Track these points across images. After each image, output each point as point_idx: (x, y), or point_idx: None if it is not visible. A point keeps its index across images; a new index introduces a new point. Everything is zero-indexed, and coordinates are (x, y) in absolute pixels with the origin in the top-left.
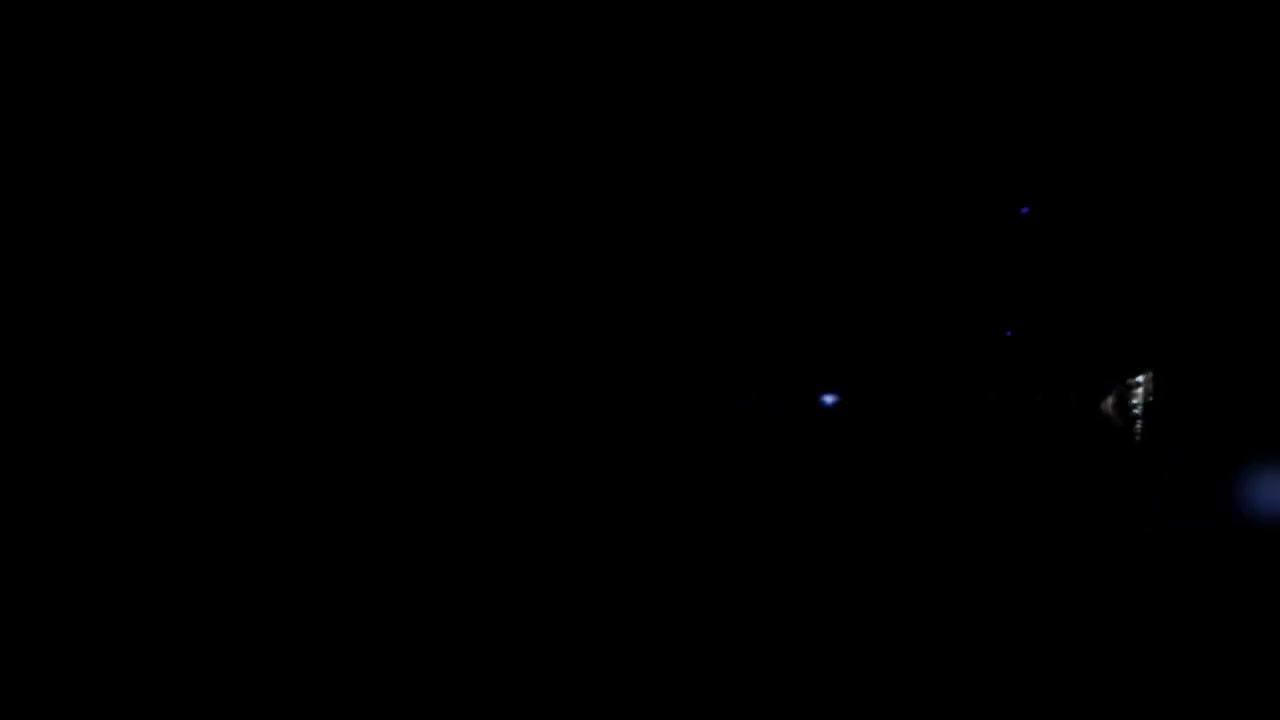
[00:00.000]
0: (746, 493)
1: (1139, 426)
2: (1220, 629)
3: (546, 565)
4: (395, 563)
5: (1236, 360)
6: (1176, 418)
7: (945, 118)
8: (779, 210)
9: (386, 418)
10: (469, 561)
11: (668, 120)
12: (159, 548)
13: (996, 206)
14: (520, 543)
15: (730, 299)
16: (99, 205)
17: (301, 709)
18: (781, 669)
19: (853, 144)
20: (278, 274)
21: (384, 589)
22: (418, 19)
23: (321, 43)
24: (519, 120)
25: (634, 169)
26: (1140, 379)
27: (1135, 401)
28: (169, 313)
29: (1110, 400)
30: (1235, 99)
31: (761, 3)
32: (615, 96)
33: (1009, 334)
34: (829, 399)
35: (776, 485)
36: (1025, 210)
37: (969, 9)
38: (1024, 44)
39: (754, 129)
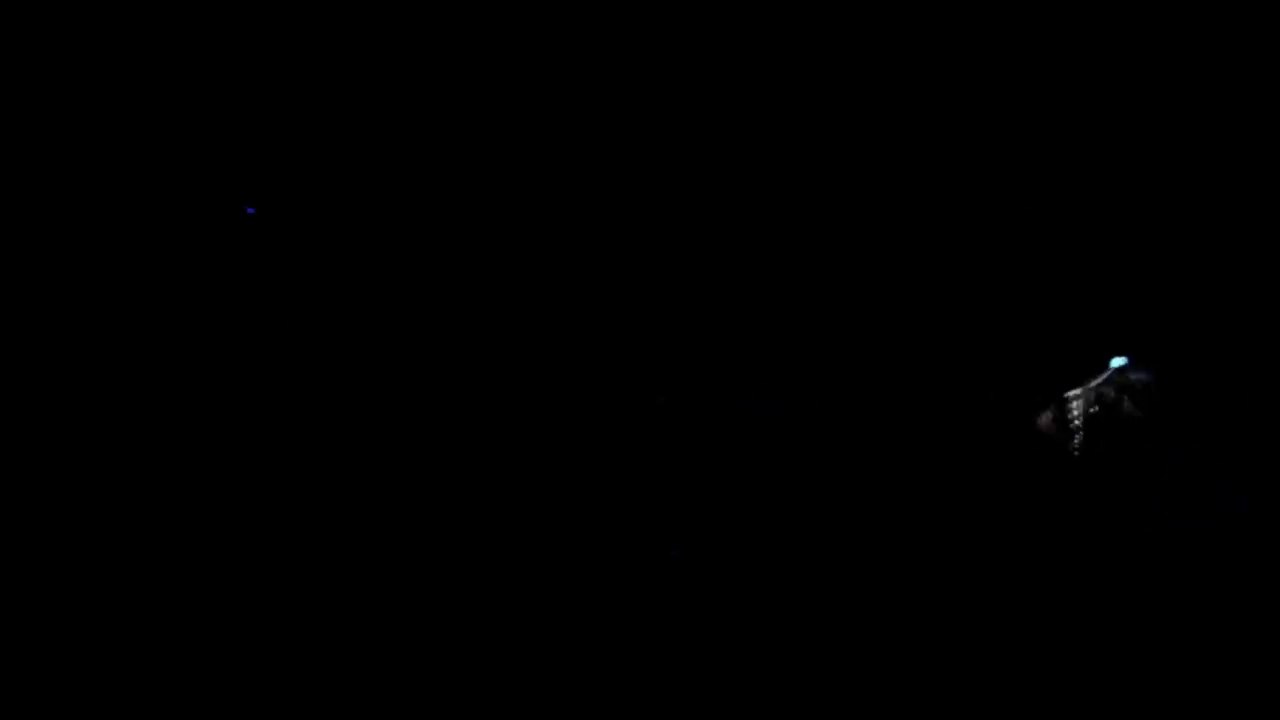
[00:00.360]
0: (746, 493)
1: (1079, 438)
2: (1220, 629)
3: (546, 565)
4: (395, 562)
5: (1236, 360)
6: (1177, 417)
7: (945, 118)
8: (778, 209)
9: (386, 418)
10: (469, 561)
11: (667, 120)
12: (159, 547)
13: (996, 206)
14: (520, 543)
15: (730, 299)
16: (100, 205)
17: (301, 709)
18: (781, 669)
19: (853, 144)
20: (278, 274)
21: (384, 589)
22: (418, 19)
23: (321, 42)
24: (519, 120)
25: (633, 169)
26: (1078, 390)
27: (1074, 414)
28: (169, 313)
29: (1049, 414)
30: (1235, 99)
31: (762, 3)
32: (615, 96)
33: (1009, 335)
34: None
35: (776, 485)
36: (1028, 209)
37: (969, 9)
38: (1024, 44)
39: (753, 129)
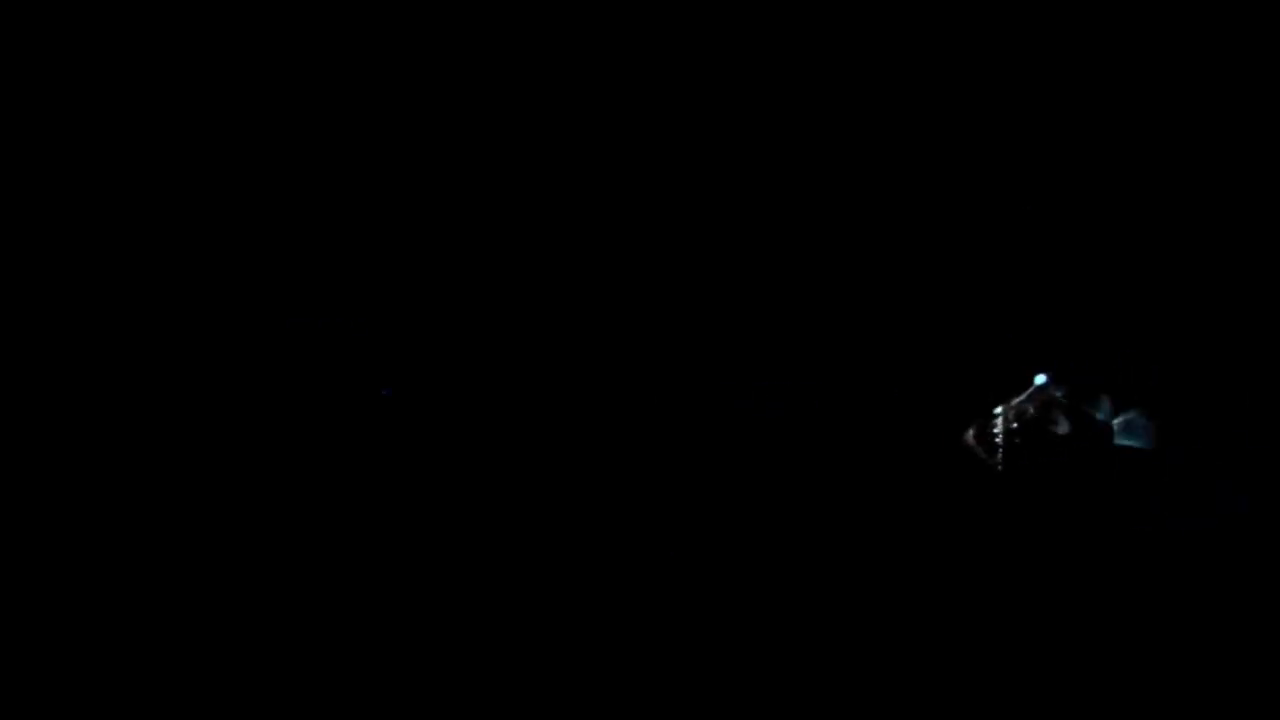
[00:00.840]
0: (747, 493)
1: (1000, 456)
2: (1220, 629)
3: (546, 566)
4: (395, 563)
5: (1236, 360)
6: (1176, 418)
7: (945, 118)
8: (778, 209)
9: (386, 418)
10: (469, 562)
11: (668, 120)
12: (159, 548)
13: (997, 206)
14: (519, 543)
15: (729, 298)
16: (99, 205)
17: (301, 709)
18: (780, 670)
19: (852, 144)
20: (278, 274)
21: (384, 589)
22: (417, 19)
23: (321, 42)
24: (519, 120)
25: (634, 169)
26: (1000, 409)
27: (996, 430)
28: (169, 313)
29: (972, 431)
30: (1236, 99)
31: (761, 3)
32: (615, 96)
33: (1010, 335)
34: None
35: (776, 485)
36: (1028, 209)
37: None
38: (1023, 44)
39: (754, 128)
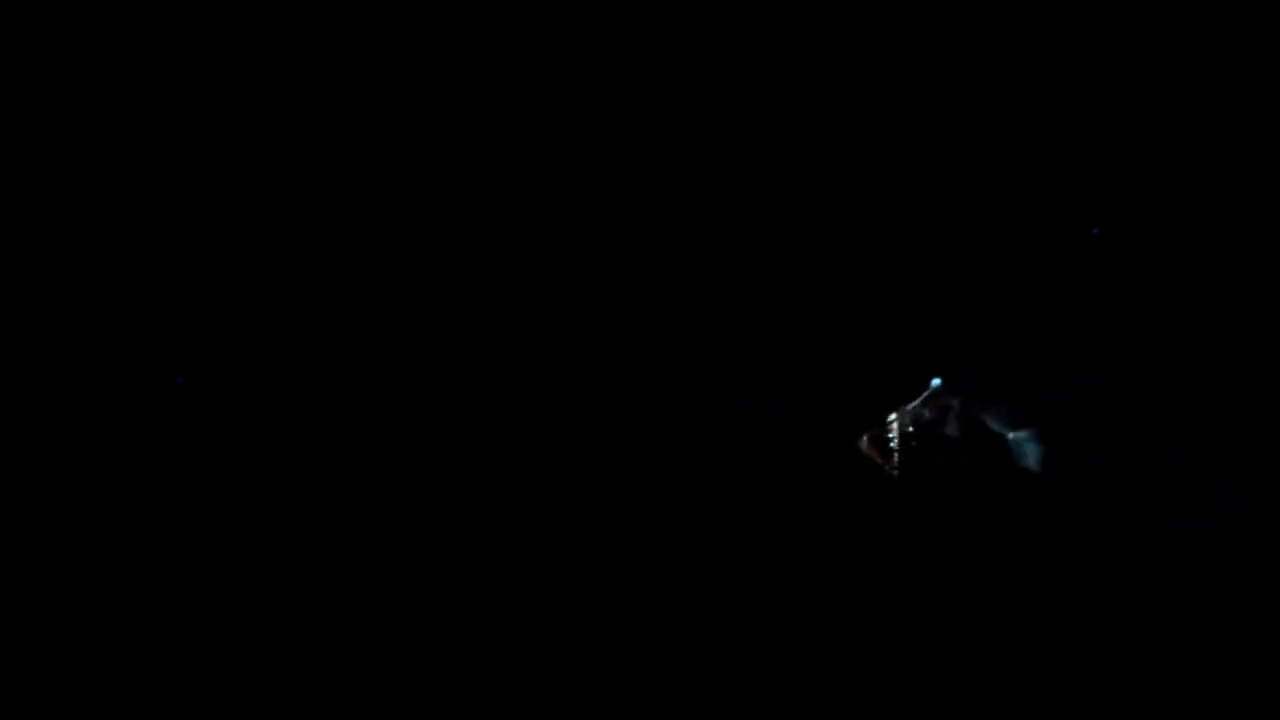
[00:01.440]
0: (746, 494)
1: (896, 461)
2: (1220, 629)
3: (545, 566)
4: (395, 563)
5: (1236, 361)
6: (1176, 417)
7: (945, 118)
8: (778, 209)
9: (386, 418)
10: (468, 562)
11: (667, 120)
12: (159, 548)
13: (997, 207)
14: (519, 544)
15: (729, 298)
16: (99, 205)
17: (301, 709)
18: (779, 670)
19: (852, 144)
20: (278, 274)
21: (383, 590)
22: (417, 19)
23: (321, 42)
24: (519, 120)
25: (633, 169)
26: (895, 415)
27: (891, 436)
28: (169, 313)
29: (867, 438)
30: (1235, 100)
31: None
32: (615, 96)
33: (1009, 335)
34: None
35: (776, 486)
36: (1028, 209)
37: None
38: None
39: (755, 127)
